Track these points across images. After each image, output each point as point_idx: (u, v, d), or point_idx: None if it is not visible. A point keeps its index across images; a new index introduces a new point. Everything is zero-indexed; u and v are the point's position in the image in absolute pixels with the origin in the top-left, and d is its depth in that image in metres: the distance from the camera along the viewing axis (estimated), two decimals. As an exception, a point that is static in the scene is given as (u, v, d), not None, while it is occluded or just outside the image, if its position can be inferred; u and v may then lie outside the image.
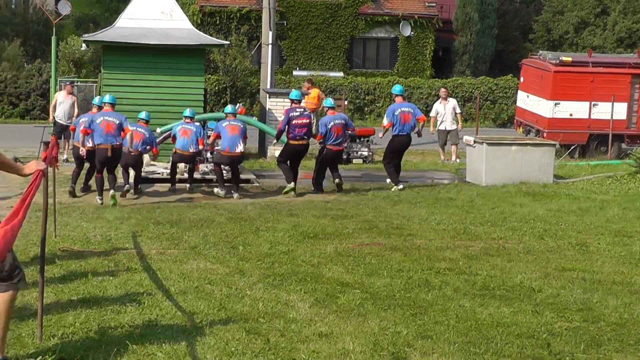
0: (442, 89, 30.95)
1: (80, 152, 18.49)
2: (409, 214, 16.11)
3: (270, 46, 31.82)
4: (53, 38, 33.00)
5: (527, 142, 24.62)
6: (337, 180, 21.02)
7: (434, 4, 52.06)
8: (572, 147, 32.33)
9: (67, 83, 27.87)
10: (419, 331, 7.85)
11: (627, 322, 8.41)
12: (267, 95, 29.10)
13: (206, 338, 7.44)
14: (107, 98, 15.74)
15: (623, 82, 34.59)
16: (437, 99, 30.45)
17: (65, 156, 24.76)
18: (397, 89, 22.67)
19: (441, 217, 15.66)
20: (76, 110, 26.90)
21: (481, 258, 11.77)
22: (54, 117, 25.23)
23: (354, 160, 27.98)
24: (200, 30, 29.54)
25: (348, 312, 8.48)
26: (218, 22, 47.04)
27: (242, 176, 21.14)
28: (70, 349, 7.02)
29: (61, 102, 25.82)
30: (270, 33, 31.85)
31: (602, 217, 16.35)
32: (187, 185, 20.34)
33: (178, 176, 20.65)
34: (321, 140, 21.13)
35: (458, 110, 28.80)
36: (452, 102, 29.17)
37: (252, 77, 39.14)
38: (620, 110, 34.10)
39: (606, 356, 7.31)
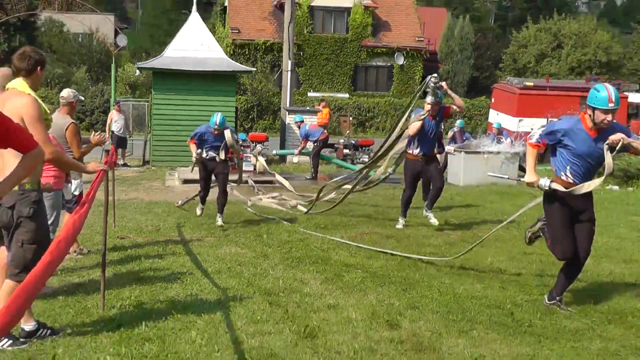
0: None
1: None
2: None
3: (289, 72, 31.71)
4: (112, 65, 33.05)
5: (496, 150, 24.59)
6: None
7: (423, 39, 51.98)
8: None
9: (115, 103, 27.90)
10: (409, 303, 7.88)
11: (575, 295, 8.44)
12: (287, 112, 29.06)
13: (237, 309, 7.47)
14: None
15: (573, 102, 34.79)
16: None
17: (122, 161, 24.78)
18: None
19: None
20: (130, 123, 27.27)
21: (459, 244, 11.78)
22: (111, 131, 25.21)
23: (357, 165, 27.55)
24: (232, 59, 29.55)
25: (351, 288, 8.50)
26: (247, 52, 46.99)
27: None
28: (127, 317, 7.06)
29: (116, 120, 25.82)
30: (290, 62, 31.76)
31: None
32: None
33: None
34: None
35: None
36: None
37: (274, 97, 39.16)
38: (571, 125, 34.35)
39: (557, 322, 7.33)
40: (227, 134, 12.79)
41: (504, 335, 6.84)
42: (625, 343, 6.75)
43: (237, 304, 7.66)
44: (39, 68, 6.43)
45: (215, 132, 12.91)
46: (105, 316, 7.13)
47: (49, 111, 6.76)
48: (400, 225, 13.81)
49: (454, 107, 13.96)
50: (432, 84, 13.61)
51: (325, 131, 24.35)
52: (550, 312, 7.80)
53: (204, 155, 13.26)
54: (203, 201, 13.86)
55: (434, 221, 13.76)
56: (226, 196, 13.66)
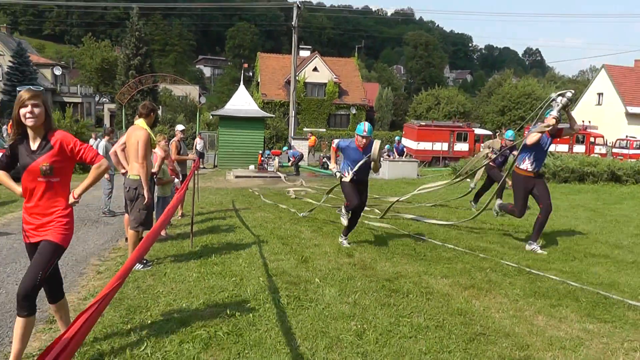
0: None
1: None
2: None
3: (293, 117, 31.73)
4: (197, 113, 32.86)
5: (406, 160, 24.63)
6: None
7: (365, 99, 52.11)
8: (425, 162, 32.43)
9: (199, 134, 28.08)
10: (357, 243, 7.79)
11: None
12: (292, 139, 29.07)
13: (264, 246, 7.40)
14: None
15: (446, 134, 34.93)
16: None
17: (202, 166, 24.76)
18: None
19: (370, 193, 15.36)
20: (206, 145, 27.59)
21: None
22: (196, 149, 25.38)
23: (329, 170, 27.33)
24: (261, 109, 29.58)
25: (327, 235, 8.41)
26: (270, 106, 46.99)
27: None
28: (204, 252, 7.02)
29: (198, 143, 26.18)
30: (293, 111, 31.76)
31: (435, 193, 16.31)
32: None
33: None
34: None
35: (397, 138, 28.53)
36: (378, 142, 29.01)
37: (285, 131, 39.19)
38: (444, 147, 34.52)
39: (438, 253, 7.30)
40: (376, 144, 7.56)
41: (409, 260, 6.82)
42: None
43: (264, 244, 7.55)
44: (152, 113, 6.49)
45: (364, 141, 7.37)
46: (192, 251, 7.06)
47: (156, 139, 6.85)
48: (537, 248, 7.83)
49: (570, 129, 8.02)
50: (565, 100, 7.72)
51: (300, 152, 24.93)
52: (432, 247, 7.70)
53: (349, 175, 7.48)
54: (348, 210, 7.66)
55: (540, 252, 7.73)
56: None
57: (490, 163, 11.64)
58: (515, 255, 7.36)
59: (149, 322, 4.52)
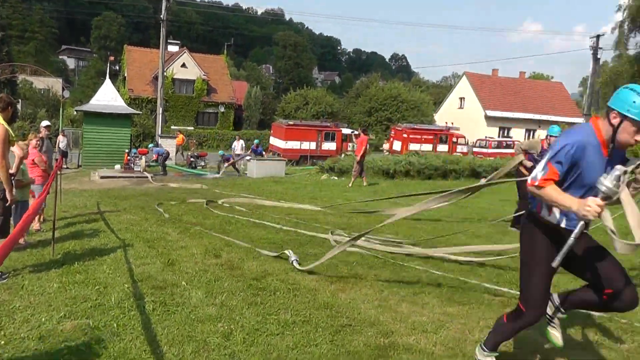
0: (237, 136, 30.78)
1: None
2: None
3: (160, 114, 30.81)
4: (61, 108, 31.03)
5: (273, 158, 24.84)
6: None
7: (234, 98, 51.76)
8: (293, 161, 32.82)
9: (61, 131, 26.60)
10: (225, 243, 7.64)
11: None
12: (159, 137, 28.22)
13: (130, 250, 7.07)
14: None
15: (314, 133, 35.61)
16: (234, 140, 29.95)
17: (65, 166, 23.32)
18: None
19: (239, 191, 15.22)
20: (70, 142, 26.13)
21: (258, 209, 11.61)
22: (59, 147, 23.93)
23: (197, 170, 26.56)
24: (128, 105, 28.47)
25: (194, 236, 8.20)
26: (137, 102, 45.17)
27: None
28: (66, 259, 6.60)
29: (62, 140, 25.06)
30: (161, 108, 30.84)
31: (303, 190, 16.56)
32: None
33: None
34: None
35: (244, 145, 28.37)
36: (242, 141, 28.85)
37: (152, 128, 37.87)
38: (312, 146, 35.18)
39: (303, 251, 7.45)
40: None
41: (277, 257, 6.85)
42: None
43: (130, 248, 7.22)
44: (9, 107, 5.95)
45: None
46: (53, 260, 6.59)
47: (14, 135, 6.29)
48: None
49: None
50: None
51: (166, 150, 24.22)
52: (300, 243, 7.81)
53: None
54: None
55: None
56: None
57: (525, 171, 9.19)
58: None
59: (2, 342, 4.13)
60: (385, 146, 41.64)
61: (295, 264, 6.39)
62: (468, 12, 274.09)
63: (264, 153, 26.89)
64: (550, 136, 9.19)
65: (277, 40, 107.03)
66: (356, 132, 27.46)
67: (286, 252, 6.78)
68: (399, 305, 5.17)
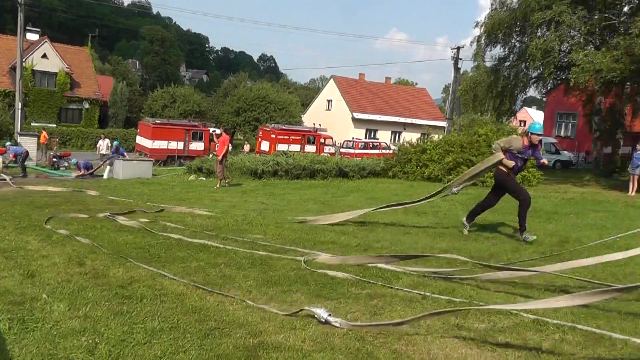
0: (102, 134, 29.46)
1: None
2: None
3: (19, 110, 28.72)
4: None
5: (140, 159, 24.06)
6: None
7: (100, 93, 49.40)
8: (160, 161, 32.05)
9: None
10: (90, 250, 7.30)
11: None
12: (19, 136, 26.23)
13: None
14: None
15: (182, 132, 35.12)
16: (99, 138, 28.60)
17: None
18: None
19: (114, 195, 14.70)
20: None
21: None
22: None
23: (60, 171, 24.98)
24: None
25: (56, 243, 7.77)
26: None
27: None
28: None
29: None
30: (20, 102, 28.76)
31: (171, 191, 16.19)
32: None
33: None
34: None
35: (109, 144, 27.21)
36: (107, 140, 27.56)
37: (9, 125, 35.08)
38: (180, 146, 34.69)
39: (171, 251, 7.36)
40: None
41: (143, 263, 6.64)
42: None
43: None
44: None
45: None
46: None
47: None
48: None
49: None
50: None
51: (24, 149, 22.65)
52: (167, 247, 7.69)
53: None
54: None
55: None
56: None
57: (506, 171, 8.89)
58: (248, 247, 7.72)
59: None
60: (247, 147, 41.80)
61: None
62: (336, 17, 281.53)
63: (125, 154, 25.93)
64: (532, 133, 8.74)
65: (143, 34, 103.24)
66: (217, 131, 27.29)
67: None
68: (267, 304, 5.24)
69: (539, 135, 8.71)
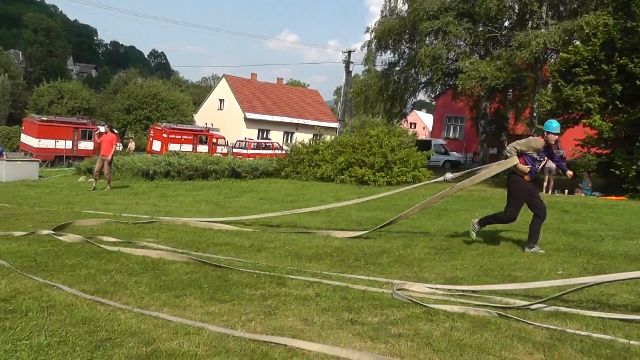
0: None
1: None
2: None
3: None
4: None
5: (25, 159, 22.66)
6: None
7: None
8: (47, 162, 30.37)
9: None
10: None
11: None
12: None
13: None
14: None
15: (70, 131, 33.64)
16: None
17: None
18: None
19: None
20: None
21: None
22: None
23: None
24: None
25: None
26: None
27: None
28: None
29: None
30: None
31: (59, 194, 15.48)
32: None
33: None
34: None
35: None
36: None
37: None
38: (68, 145, 33.28)
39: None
40: None
41: (30, 273, 6.34)
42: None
43: None
44: None
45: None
46: None
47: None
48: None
49: None
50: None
51: None
52: (55, 254, 7.27)
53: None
54: None
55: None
56: None
57: (524, 177, 8.04)
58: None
59: None
60: (132, 145, 40.66)
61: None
62: (228, 15, 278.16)
63: (4, 153, 24.34)
64: (548, 132, 7.86)
65: (27, 22, 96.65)
66: (101, 129, 26.31)
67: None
68: (160, 310, 5.13)
69: (555, 134, 7.86)
